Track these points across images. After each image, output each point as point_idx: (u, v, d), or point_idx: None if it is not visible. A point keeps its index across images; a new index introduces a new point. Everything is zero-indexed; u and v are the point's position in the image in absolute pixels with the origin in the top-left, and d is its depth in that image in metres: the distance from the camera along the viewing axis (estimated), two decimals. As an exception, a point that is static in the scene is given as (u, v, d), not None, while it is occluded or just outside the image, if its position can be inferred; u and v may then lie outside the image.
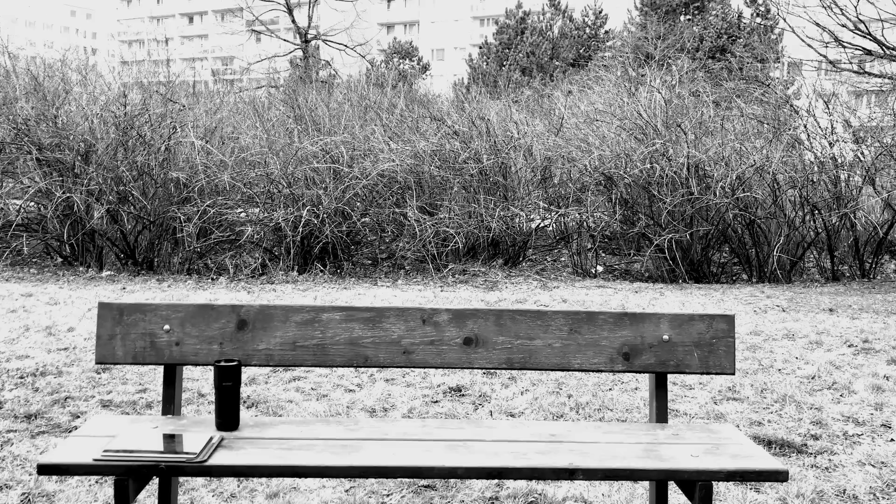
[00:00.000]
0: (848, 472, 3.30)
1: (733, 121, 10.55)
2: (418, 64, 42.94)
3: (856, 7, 11.28)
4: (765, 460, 2.22)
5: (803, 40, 12.02)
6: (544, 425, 2.48)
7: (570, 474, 2.05)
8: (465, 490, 3.12)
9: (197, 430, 2.35)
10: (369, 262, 9.86)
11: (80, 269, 9.13)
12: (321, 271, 8.90)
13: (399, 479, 3.19)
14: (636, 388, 4.56)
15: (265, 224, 9.36)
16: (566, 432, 2.44)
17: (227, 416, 2.38)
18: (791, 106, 11.11)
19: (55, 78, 10.80)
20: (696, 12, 33.12)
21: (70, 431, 3.66)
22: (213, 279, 8.63)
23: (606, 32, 39.38)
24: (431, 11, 64.58)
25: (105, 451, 2.13)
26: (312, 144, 9.61)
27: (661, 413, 2.61)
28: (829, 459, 3.44)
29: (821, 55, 12.24)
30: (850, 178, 9.54)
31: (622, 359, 2.58)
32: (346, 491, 3.11)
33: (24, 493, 2.97)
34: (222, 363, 2.37)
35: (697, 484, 2.14)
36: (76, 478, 3.09)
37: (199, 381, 4.59)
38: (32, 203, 9.65)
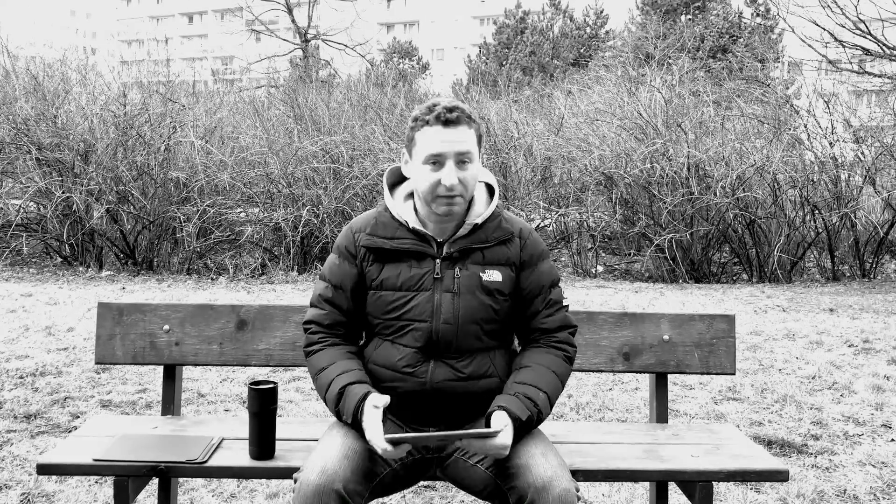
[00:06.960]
0: (848, 472, 3.30)
1: (733, 120, 10.55)
2: (418, 64, 42.91)
3: (856, 7, 11.27)
4: (765, 460, 2.21)
5: (803, 40, 12.02)
6: (544, 425, 2.47)
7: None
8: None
9: (196, 431, 2.35)
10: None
11: (80, 268, 9.13)
12: (321, 271, 8.89)
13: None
14: (636, 388, 4.56)
15: (265, 224, 9.35)
16: (566, 432, 2.43)
17: (266, 443, 2.17)
18: (791, 106, 11.11)
19: (55, 77, 10.79)
20: (696, 12, 33.10)
21: (70, 431, 3.66)
22: (212, 279, 8.63)
23: (607, 32, 39.32)
24: (431, 11, 64.57)
25: (105, 451, 2.13)
26: (312, 144, 9.61)
27: (661, 413, 2.60)
28: (830, 459, 3.44)
29: (821, 55, 12.23)
30: (851, 178, 9.53)
31: (622, 359, 2.58)
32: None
33: (23, 493, 2.96)
34: (261, 386, 2.14)
35: (698, 484, 2.14)
36: (76, 478, 3.09)
37: (198, 381, 4.58)
38: (32, 203, 9.65)
